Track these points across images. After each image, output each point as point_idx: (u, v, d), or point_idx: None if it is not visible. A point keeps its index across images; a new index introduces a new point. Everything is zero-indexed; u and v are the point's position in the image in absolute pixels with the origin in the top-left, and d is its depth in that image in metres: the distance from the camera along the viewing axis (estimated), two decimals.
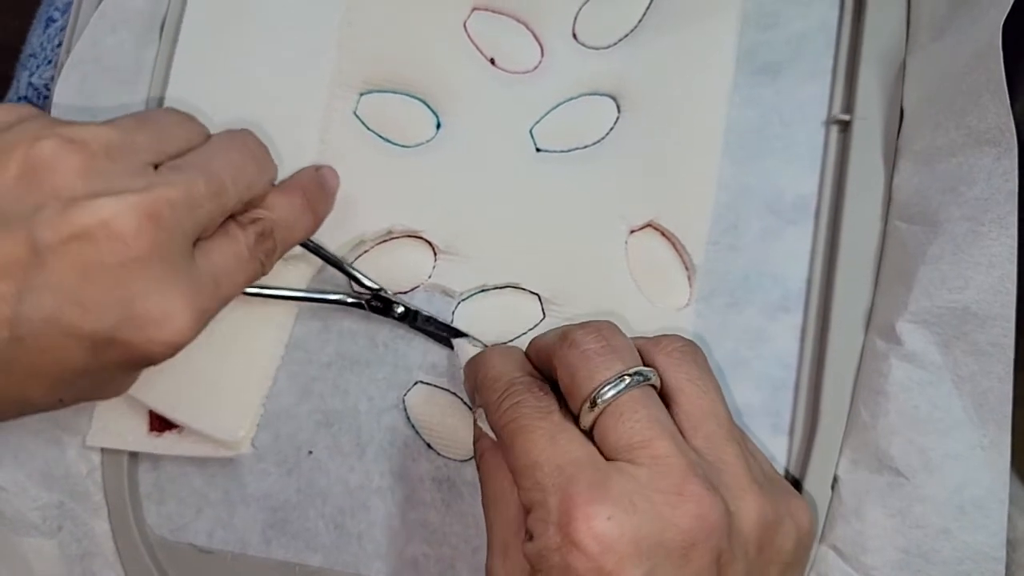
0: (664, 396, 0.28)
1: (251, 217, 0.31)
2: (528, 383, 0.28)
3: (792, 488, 0.30)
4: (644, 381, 0.27)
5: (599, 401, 0.26)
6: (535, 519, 0.25)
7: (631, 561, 0.24)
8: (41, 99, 0.39)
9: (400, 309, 0.34)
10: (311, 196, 0.33)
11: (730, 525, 0.25)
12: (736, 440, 0.28)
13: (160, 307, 0.26)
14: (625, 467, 0.25)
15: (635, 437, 0.26)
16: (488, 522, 0.29)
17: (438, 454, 0.35)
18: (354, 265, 0.35)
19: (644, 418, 0.26)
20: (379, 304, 0.34)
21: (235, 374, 0.35)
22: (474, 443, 0.32)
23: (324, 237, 0.35)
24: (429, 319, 0.34)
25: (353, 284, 0.35)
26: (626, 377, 0.27)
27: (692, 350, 0.29)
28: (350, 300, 0.35)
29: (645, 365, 0.28)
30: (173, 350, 0.27)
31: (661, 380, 0.28)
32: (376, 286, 0.34)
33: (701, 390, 0.28)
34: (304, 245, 0.34)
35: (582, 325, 0.29)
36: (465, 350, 0.33)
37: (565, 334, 0.29)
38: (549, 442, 0.26)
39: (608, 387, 0.27)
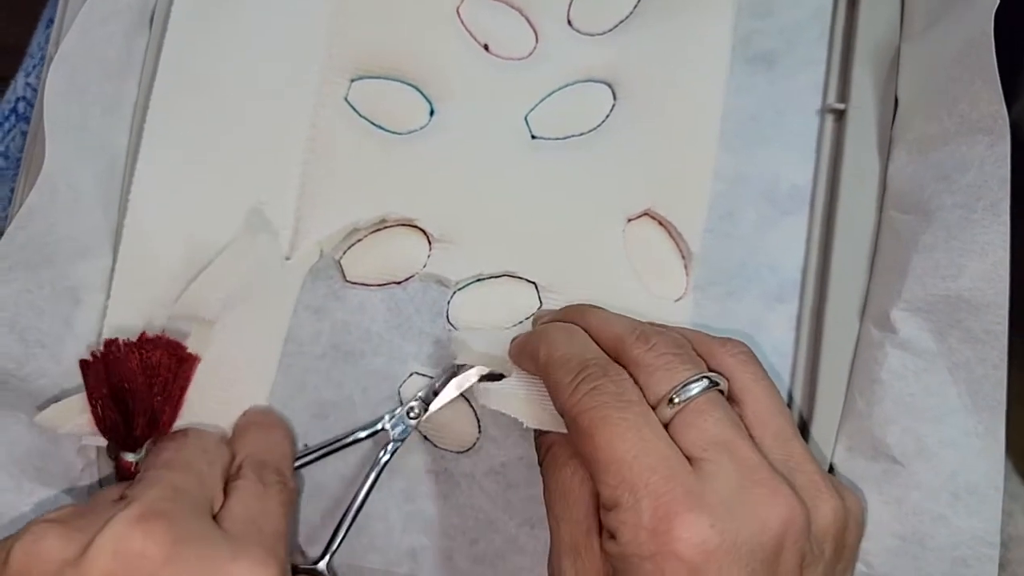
0: (729, 398, 0.28)
1: (236, 465, 0.31)
2: (604, 365, 0.27)
3: (840, 481, 0.30)
4: (716, 387, 0.27)
5: (676, 400, 0.26)
6: (620, 520, 0.24)
7: (732, 568, 0.23)
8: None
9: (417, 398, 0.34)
10: (262, 420, 0.34)
11: (810, 526, 0.25)
12: (800, 438, 0.28)
13: None
14: (710, 468, 0.25)
15: (719, 436, 0.25)
16: (553, 518, 0.28)
17: (435, 446, 0.34)
18: (344, 259, 0.35)
19: (724, 418, 0.26)
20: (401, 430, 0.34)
21: (238, 375, 0.35)
22: (537, 435, 0.32)
23: (315, 225, 0.34)
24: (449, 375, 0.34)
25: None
26: (704, 379, 0.27)
27: (754, 354, 0.29)
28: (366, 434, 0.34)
29: (708, 363, 0.28)
30: None
31: (728, 382, 0.28)
32: (379, 425, 0.34)
33: (767, 390, 0.28)
34: (302, 462, 0.34)
35: (655, 329, 0.29)
36: (460, 342, 0.33)
37: (644, 334, 0.28)
38: (636, 436, 0.25)
39: (687, 387, 0.26)
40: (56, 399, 0.33)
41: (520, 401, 0.30)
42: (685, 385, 0.26)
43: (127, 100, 0.35)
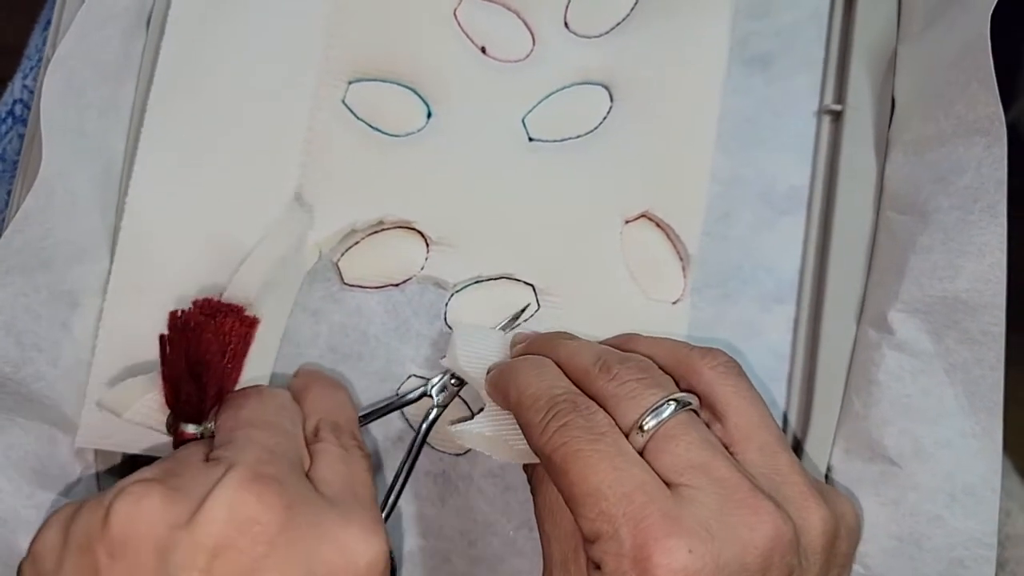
0: (711, 412, 0.28)
1: (312, 428, 0.31)
2: (572, 400, 0.27)
3: (834, 488, 0.30)
4: (687, 407, 0.27)
5: (646, 427, 0.26)
6: (602, 551, 0.24)
7: None
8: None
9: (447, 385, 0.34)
10: (324, 380, 0.34)
11: (799, 539, 0.25)
12: (788, 449, 0.27)
13: (336, 547, 0.25)
14: (689, 492, 0.25)
15: (694, 459, 0.25)
16: (544, 535, 0.28)
17: (433, 448, 0.34)
18: (342, 261, 0.35)
19: (698, 440, 0.26)
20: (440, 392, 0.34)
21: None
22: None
23: (313, 227, 0.34)
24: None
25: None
26: (672, 402, 0.26)
27: (737, 365, 0.29)
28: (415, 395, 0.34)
29: (689, 378, 0.28)
30: (382, 566, 0.26)
31: (708, 395, 0.28)
32: (421, 390, 0.34)
33: (750, 402, 0.28)
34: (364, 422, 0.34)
35: (620, 356, 0.28)
36: (452, 346, 0.33)
37: (606, 365, 0.28)
38: (610, 467, 0.25)
39: (656, 411, 0.26)
40: (53, 402, 0.33)
41: (488, 440, 0.30)
42: (652, 411, 0.26)
43: (124, 103, 0.35)
